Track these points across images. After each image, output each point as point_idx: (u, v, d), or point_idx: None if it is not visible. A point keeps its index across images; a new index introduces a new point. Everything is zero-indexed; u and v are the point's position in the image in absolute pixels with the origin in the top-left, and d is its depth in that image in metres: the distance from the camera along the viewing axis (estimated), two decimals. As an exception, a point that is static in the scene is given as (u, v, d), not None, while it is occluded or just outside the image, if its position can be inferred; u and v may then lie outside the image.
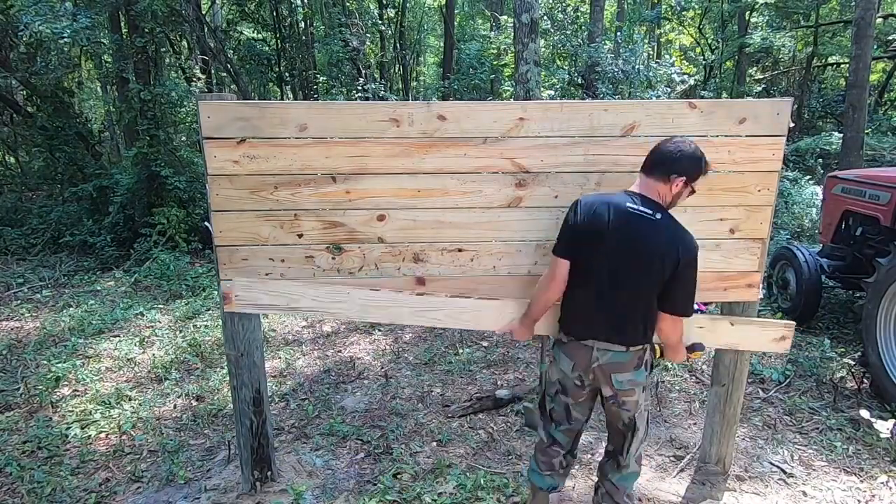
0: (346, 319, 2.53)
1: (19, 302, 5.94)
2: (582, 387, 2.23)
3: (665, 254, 2.01)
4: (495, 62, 11.78)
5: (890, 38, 13.85)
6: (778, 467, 3.06)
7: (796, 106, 13.69)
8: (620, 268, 2.05)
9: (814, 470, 3.05)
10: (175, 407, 3.79)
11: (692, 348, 2.43)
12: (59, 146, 8.48)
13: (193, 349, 4.59)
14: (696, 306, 2.42)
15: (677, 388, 3.95)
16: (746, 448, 3.24)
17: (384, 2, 13.42)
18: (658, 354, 2.32)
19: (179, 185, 7.67)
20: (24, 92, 9.29)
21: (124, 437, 3.42)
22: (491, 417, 3.57)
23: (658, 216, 2.04)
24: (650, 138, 2.39)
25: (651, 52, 13.24)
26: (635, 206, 2.05)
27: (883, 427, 2.99)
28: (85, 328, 5.12)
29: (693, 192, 2.15)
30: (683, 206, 2.46)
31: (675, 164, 2.05)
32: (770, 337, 2.58)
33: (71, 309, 5.69)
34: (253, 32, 12.18)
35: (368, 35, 12.40)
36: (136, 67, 7.87)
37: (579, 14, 13.14)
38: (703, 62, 15.25)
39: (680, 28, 16.06)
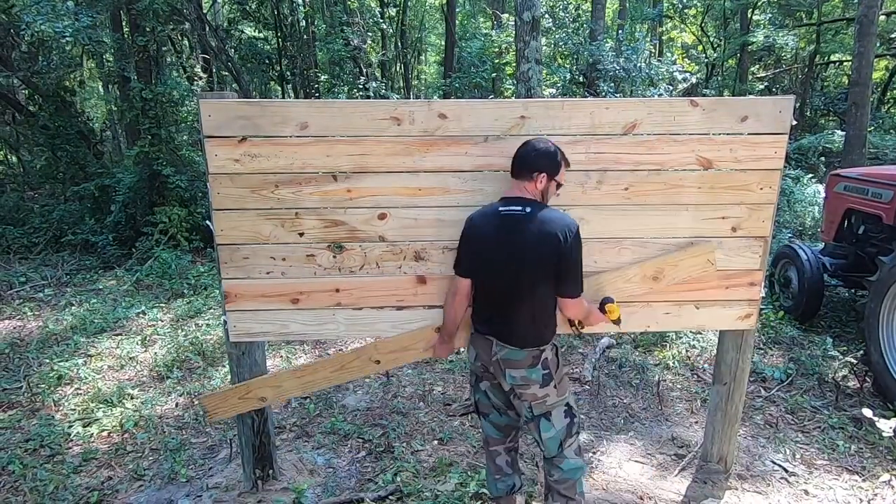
0: (335, 339, 2.55)
1: (21, 301, 5.95)
2: (489, 373, 2.29)
3: (540, 242, 2.07)
4: (497, 60, 11.77)
5: (893, 35, 13.81)
6: (780, 466, 3.06)
7: (798, 104, 13.66)
8: (504, 270, 2.12)
9: (816, 469, 3.04)
10: (177, 405, 3.80)
11: (602, 308, 2.39)
12: (61, 145, 8.49)
13: (195, 348, 4.60)
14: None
15: (679, 386, 3.95)
16: (748, 447, 3.24)
17: (385, 0, 13.41)
18: (579, 325, 2.40)
19: (181, 184, 7.68)
20: (26, 91, 9.31)
21: (126, 435, 3.43)
22: (492, 416, 3.57)
23: (528, 209, 2.11)
24: (652, 136, 2.39)
25: (653, 50, 13.22)
26: (505, 208, 2.14)
27: (885, 426, 2.99)
28: (87, 327, 5.13)
29: (559, 185, 2.23)
30: (685, 204, 2.47)
31: (533, 162, 2.14)
32: (735, 315, 2.60)
33: (73, 308, 5.70)
34: (254, 31, 12.18)
35: (370, 34, 12.39)
36: (137, 66, 7.87)
37: (581, 12, 13.12)
38: (705, 60, 15.21)
39: (682, 26, 16.03)
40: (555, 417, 2.23)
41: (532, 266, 2.09)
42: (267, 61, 11.46)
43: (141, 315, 5.45)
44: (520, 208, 2.12)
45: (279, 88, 12.12)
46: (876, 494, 2.81)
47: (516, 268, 2.10)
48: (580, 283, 2.17)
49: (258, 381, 2.61)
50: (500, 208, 2.15)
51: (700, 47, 16.19)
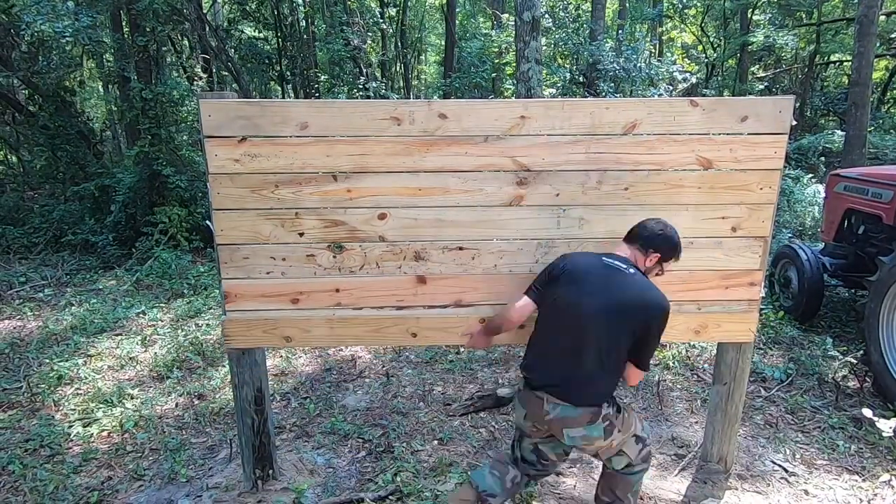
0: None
1: (21, 301, 5.95)
2: (539, 430, 2.26)
3: (639, 304, 2.09)
4: (497, 60, 11.77)
5: (893, 35, 13.81)
6: (780, 466, 3.06)
7: (798, 104, 13.66)
8: (592, 317, 2.08)
9: (815, 469, 3.04)
10: (177, 405, 3.80)
11: None
12: (61, 145, 8.49)
13: (195, 348, 4.60)
14: None
15: (679, 386, 3.95)
16: (748, 447, 3.24)
17: (385, 0, 13.40)
18: None
19: (181, 184, 7.67)
20: (26, 91, 9.30)
21: (126, 435, 3.43)
22: (492, 416, 3.58)
23: (631, 270, 2.15)
24: (652, 136, 2.39)
25: (653, 50, 13.23)
26: (610, 260, 2.18)
27: (885, 426, 2.99)
28: (87, 327, 5.13)
29: (662, 272, 2.28)
30: (685, 204, 2.47)
31: (657, 242, 2.20)
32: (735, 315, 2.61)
33: (73, 308, 5.70)
34: (254, 31, 12.18)
35: (370, 34, 12.39)
36: (137, 66, 7.87)
37: (581, 12, 13.12)
38: (705, 60, 15.21)
39: (682, 26, 16.03)
40: (627, 450, 2.25)
41: (624, 322, 2.07)
42: (267, 61, 11.46)
43: (141, 315, 5.45)
44: (624, 266, 2.15)
45: (279, 88, 12.13)
46: (876, 494, 2.81)
47: (605, 320, 2.06)
48: (651, 359, 2.23)
49: (288, 319, 2.52)
50: (604, 258, 2.19)
51: (700, 47, 16.19)
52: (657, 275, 2.28)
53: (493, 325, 2.45)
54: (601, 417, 2.12)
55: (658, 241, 2.20)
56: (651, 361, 2.24)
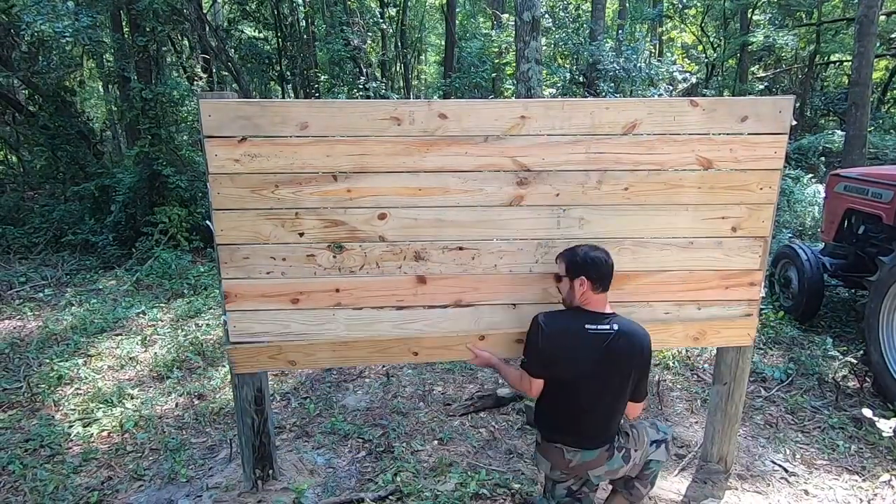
0: (335, 339, 2.53)
1: (21, 301, 5.95)
2: (569, 476, 2.36)
3: (630, 360, 2.20)
4: (497, 60, 11.77)
5: (893, 35, 13.81)
6: (780, 466, 3.06)
7: (798, 104, 13.66)
8: (592, 387, 2.20)
9: (816, 469, 3.04)
10: (177, 405, 3.80)
11: None
12: (61, 145, 8.49)
13: (195, 348, 4.60)
14: None
15: (679, 386, 3.95)
16: (748, 447, 3.24)
17: (385, 0, 13.40)
18: None
19: (181, 184, 7.67)
20: (26, 91, 9.30)
21: (126, 435, 3.42)
22: (492, 416, 3.58)
23: (615, 327, 2.18)
24: (652, 136, 2.39)
25: (653, 50, 13.23)
26: (594, 327, 2.19)
27: (885, 426, 2.99)
28: (87, 327, 5.13)
29: (602, 290, 2.29)
30: (685, 204, 2.47)
31: (575, 268, 2.23)
32: (735, 315, 2.62)
33: (73, 308, 5.70)
34: (254, 31, 12.17)
35: (370, 34, 12.39)
36: (137, 66, 7.87)
37: (581, 12, 13.13)
38: (705, 60, 15.21)
39: (682, 26, 16.03)
40: (654, 457, 2.38)
41: (621, 382, 2.21)
42: (267, 61, 11.45)
43: (141, 315, 5.45)
44: (607, 327, 2.18)
45: (279, 88, 12.13)
46: (876, 494, 2.81)
47: (603, 387, 2.20)
48: (646, 387, 2.33)
49: (292, 344, 2.56)
50: (588, 326, 2.19)
51: (700, 47, 16.19)
52: (599, 293, 2.25)
53: (502, 373, 2.49)
54: (616, 449, 2.29)
55: (577, 267, 2.22)
56: (646, 391, 2.35)
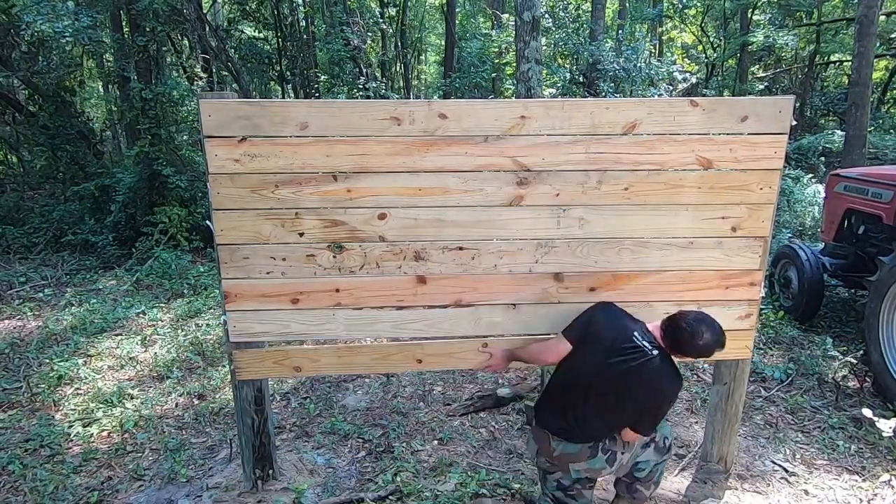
0: (334, 338, 2.53)
1: (21, 301, 5.95)
2: (556, 465, 2.32)
3: (651, 386, 2.16)
4: (497, 60, 11.77)
5: (893, 35, 13.80)
6: (780, 466, 3.06)
7: (798, 104, 13.66)
8: (599, 384, 2.19)
9: (815, 469, 3.04)
10: (177, 405, 3.80)
11: None
12: (61, 145, 8.48)
13: (195, 348, 4.60)
14: None
15: (679, 386, 3.95)
16: (748, 447, 3.24)
17: (385, 0, 13.40)
18: None
19: (181, 184, 7.67)
20: (26, 91, 9.30)
21: (126, 435, 3.42)
22: (492, 416, 3.58)
23: (654, 353, 2.17)
24: (652, 136, 2.39)
25: (653, 50, 13.22)
26: (639, 338, 2.20)
27: (885, 426, 2.99)
28: (87, 327, 5.13)
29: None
30: (685, 204, 2.47)
31: (681, 347, 2.18)
32: (735, 315, 2.60)
33: (73, 308, 5.70)
34: (254, 31, 12.17)
35: (370, 34, 12.38)
36: (137, 66, 7.87)
37: (581, 12, 13.12)
38: (705, 60, 15.21)
39: (682, 26, 16.02)
40: (644, 458, 2.37)
41: (631, 397, 2.17)
42: (267, 61, 11.45)
43: (141, 315, 5.45)
44: (649, 347, 2.18)
45: (279, 88, 12.12)
46: (876, 494, 2.81)
47: (611, 392, 2.18)
48: (654, 428, 2.31)
49: (297, 350, 2.59)
50: (636, 334, 2.21)
51: (700, 47, 16.19)
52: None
53: (522, 356, 2.48)
54: (600, 450, 2.25)
55: (687, 350, 2.17)
56: (652, 430, 2.31)
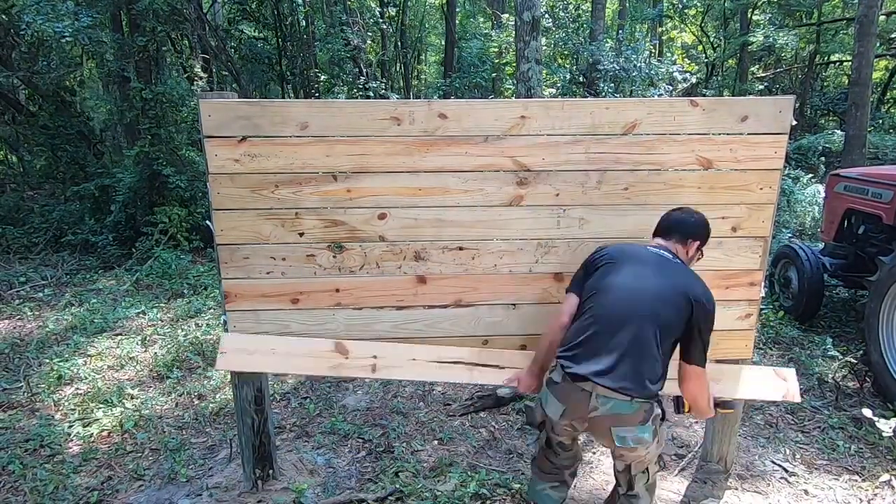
0: (334, 338, 2.52)
1: (21, 301, 5.95)
2: (574, 430, 2.04)
3: (680, 289, 1.97)
4: (497, 60, 11.78)
5: (893, 35, 13.80)
6: (779, 466, 3.06)
7: (798, 104, 13.65)
8: (633, 295, 1.95)
9: (815, 469, 3.04)
10: (177, 405, 3.80)
11: (723, 405, 2.32)
12: (61, 145, 8.48)
13: (195, 348, 4.60)
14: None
15: (679, 386, 3.95)
16: (748, 447, 3.24)
17: (385, 0, 13.40)
18: (686, 409, 2.21)
19: (181, 184, 7.67)
20: (26, 91, 9.31)
21: (126, 435, 3.42)
22: (492, 416, 3.58)
23: (677, 260, 2.12)
24: (652, 136, 2.39)
25: (653, 51, 13.21)
26: (656, 249, 2.16)
27: (885, 426, 2.99)
28: (87, 327, 5.12)
29: (702, 255, 2.28)
30: (685, 204, 2.46)
31: (693, 230, 2.19)
32: (735, 315, 2.60)
33: (73, 307, 5.70)
34: (254, 31, 12.17)
35: (370, 33, 12.38)
36: (137, 66, 7.87)
37: (581, 12, 13.12)
38: (705, 60, 15.22)
39: (682, 26, 16.02)
40: (652, 469, 2.13)
41: (676, 306, 1.94)
42: (267, 61, 11.45)
43: (141, 315, 5.45)
44: (670, 255, 2.11)
45: (279, 88, 12.11)
46: (876, 494, 2.81)
47: (661, 301, 1.93)
48: (705, 354, 2.02)
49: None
50: (650, 247, 2.17)
51: (700, 47, 16.20)
52: (698, 260, 2.28)
53: (541, 353, 2.23)
54: (652, 418, 1.93)
55: (693, 228, 2.19)
56: (704, 357, 2.02)
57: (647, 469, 2.09)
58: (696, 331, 1.98)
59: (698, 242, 2.20)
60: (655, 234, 2.25)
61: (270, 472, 2.84)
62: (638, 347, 1.91)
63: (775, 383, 2.57)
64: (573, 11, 12.71)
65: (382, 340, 2.56)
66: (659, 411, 2.00)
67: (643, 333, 1.92)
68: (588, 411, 1.92)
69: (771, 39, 12.53)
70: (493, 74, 11.89)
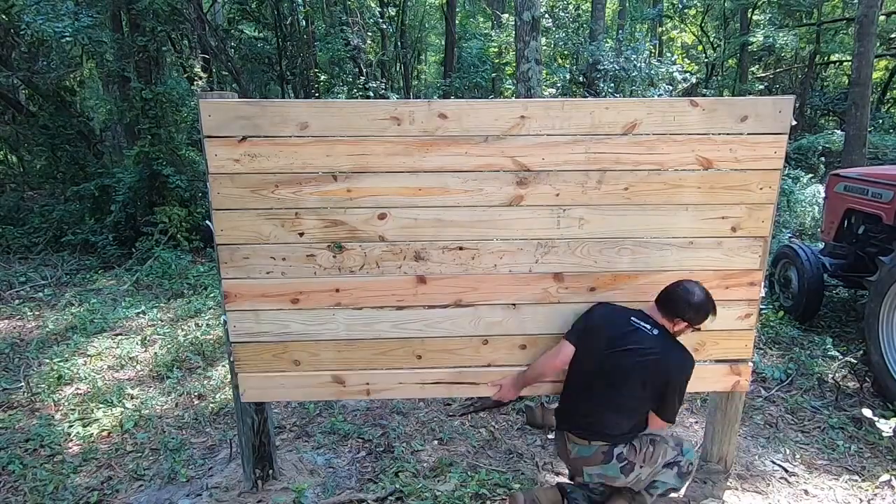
0: (334, 338, 2.53)
1: (21, 301, 5.95)
2: (573, 467, 2.42)
3: (653, 361, 2.20)
4: (496, 60, 11.78)
5: (892, 35, 13.81)
6: (779, 466, 3.06)
7: (798, 104, 13.66)
8: (606, 374, 2.24)
9: (815, 469, 3.04)
10: (177, 405, 3.80)
11: None
12: (61, 145, 8.48)
13: (195, 348, 4.60)
14: None
15: (679, 386, 3.95)
16: (748, 447, 3.24)
17: (385, 0, 13.40)
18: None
19: (181, 184, 7.67)
20: (26, 91, 9.31)
21: (126, 435, 3.42)
22: (492, 416, 3.58)
23: (655, 332, 2.26)
24: (652, 136, 2.39)
25: (653, 50, 13.22)
26: (637, 321, 2.29)
27: (885, 426, 2.99)
28: (87, 327, 5.13)
29: (697, 329, 2.35)
30: (685, 204, 2.47)
31: (682, 312, 2.26)
32: (735, 315, 2.62)
33: (73, 307, 5.70)
34: (254, 31, 12.17)
35: (369, 33, 12.38)
36: (137, 66, 7.87)
37: (581, 12, 13.13)
38: (705, 60, 15.23)
39: (682, 26, 16.03)
40: (662, 478, 2.34)
41: (640, 376, 2.20)
42: (267, 61, 11.45)
43: (141, 315, 5.45)
44: (648, 327, 2.26)
45: (279, 88, 12.11)
46: (876, 494, 2.81)
47: (621, 371, 2.22)
48: (676, 414, 2.31)
49: (297, 343, 2.59)
50: (633, 318, 2.30)
51: (700, 47, 16.21)
52: (693, 331, 2.36)
53: (530, 375, 2.52)
54: (615, 457, 2.26)
55: (684, 310, 2.25)
56: (674, 414, 2.31)
57: (655, 482, 2.35)
58: (665, 394, 2.24)
59: (685, 323, 2.28)
60: (655, 300, 2.34)
61: (270, 472, 2.84)
62: (601, 410, 2.28)
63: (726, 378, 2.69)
64: (573, 11, 12.72)
65: (382, 340, 2.56)
66: (623, 450, 2.29)
67: (607, 400, 2.26)
68: (567, 453, 2.35)
69: (771, 39, 12.54)
70: (493, 74, 11.89)
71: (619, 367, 2.22)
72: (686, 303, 2.23)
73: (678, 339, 2.31)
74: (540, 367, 2.48)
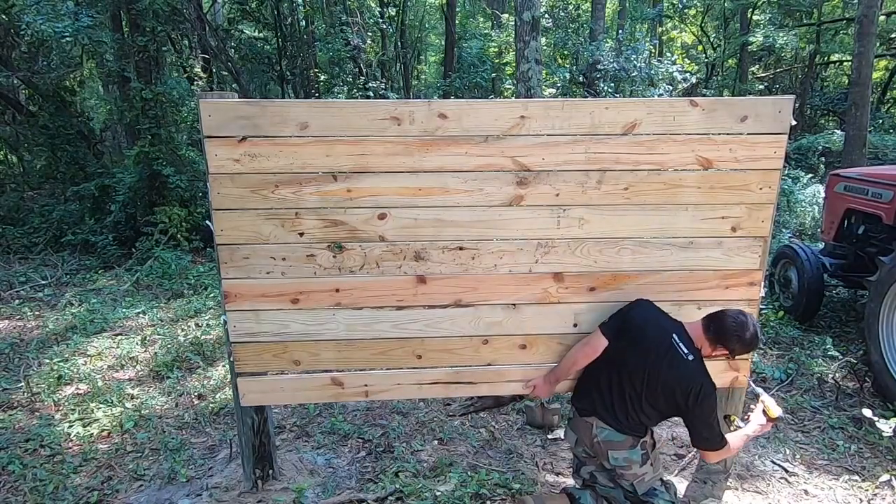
0: (334, 338, 2.53)
1: (21, 301, 5.95)
2: (591, 457, 2.44)
3: (677, 390, 2.21)
4: (496, 60, 11.78)
5: (892, 35, 13.82)
6: (779, 466, 3.06)
7: (798, 104, 13.66)
8: (638, 373, 2.27)
9: (815, 469, 3.04)
10: (177, 405, 3.80)
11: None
12: (61, 145, 8.49)
13: (195, 348, 4.60)
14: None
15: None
16: (748, 447, 3.24)
17: (385, 0, 13.40)
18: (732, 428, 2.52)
19: (181, 184, 7.67)
20: (26, 91, 9.32)
21: (126, 435, 3.43)
22: (492, 416, 3.58)
23: (690, 357, 2.23)
24: (652, 136, 2.39)
25: (653, 51, 13.22)
26: (677, 341, 2.26)
27: (885, 426, 2.99)
28: (87, 327, 5.13)
29: (732, 359, 2.34)
30: (685, 204, 2.47)
31: (726, 342, 2.22)
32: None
33: (73, 307, 5.70)
34: (254, 31, 12.18)
35: (369, 33, 12.38)
36: (137, 66, 7.87)
37: (581, 12, 13.13)
38: (705, 60, 15.23)
39: (682, 26, 16.04)
40: (659, 488, 2.38)
41: (663, 397, 2.24)
42: (267, 61, 11.46)
43: (141, 315, 5.45)
44: (686, 351, 2.24)
45: (279, 88, 12.12)
46: (876, 494, 2.82)
47: (653, 389, 2.24)
48: (717, 434, 2.25)
49: (297, 343, 2.58)
50: (675, 336, 2.27)
51: (700, 47, 16.21)
52: (727, 359, 2.36)
53: (563, 367, 2.50)
54: (640, 444, 2.33)
55: (731, 342, 2.22)
56: (716, 438, 2.26)
57: (653, 489, 2.38)
58: (693, 421, 2.25)
59: (726, 353, 2.26)
60: (703, 319, 2.30)
61: (270, 472, 2.84)
62: (627, 409, 2.32)
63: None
64: (573, 11, 12.73)
65: (382, 340, 2.56)
66: (647, 439, 2.36)
67: (635, 403, 2.31)
68: (592, 437, 2.36)
69: (771, 39, 12.54)
70: (493, 74, 11.89)
71: (649, 383, 2.25)
72: (737, 337, 2.19)
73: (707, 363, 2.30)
74: (573, 357, 2.46)
